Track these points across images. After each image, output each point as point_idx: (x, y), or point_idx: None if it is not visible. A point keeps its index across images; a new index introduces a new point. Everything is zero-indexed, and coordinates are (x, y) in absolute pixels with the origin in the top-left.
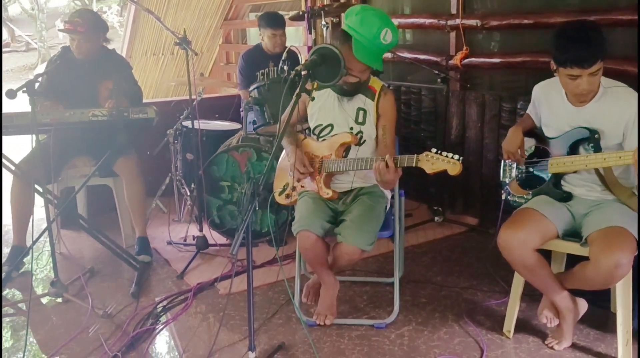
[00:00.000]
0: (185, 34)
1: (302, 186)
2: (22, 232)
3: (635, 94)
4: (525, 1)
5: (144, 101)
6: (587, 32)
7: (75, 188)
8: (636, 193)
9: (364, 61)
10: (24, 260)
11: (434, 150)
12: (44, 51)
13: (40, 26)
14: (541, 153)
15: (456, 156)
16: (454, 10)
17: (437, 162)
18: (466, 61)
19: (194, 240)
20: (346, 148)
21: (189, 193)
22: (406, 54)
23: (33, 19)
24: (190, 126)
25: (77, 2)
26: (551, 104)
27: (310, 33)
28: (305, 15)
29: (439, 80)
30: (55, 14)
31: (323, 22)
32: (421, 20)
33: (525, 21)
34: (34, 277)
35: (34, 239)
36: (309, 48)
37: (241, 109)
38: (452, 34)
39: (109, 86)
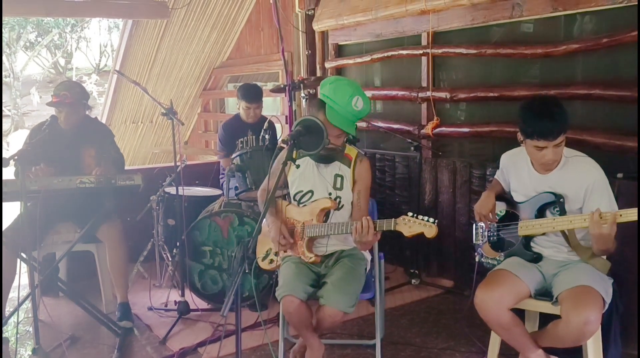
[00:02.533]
0: (172, 104)
1: (284, 251)
2: (4, 299)
3: (593, 163)
4: (490, 76)
5: (127, 168)
6: (550, 108)
7: (56, 253)
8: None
9: (337, 125)
10: (4, 327)
11: (410, 214)
12: (18, 118)
13: (15, 94)
14: (511, 216)
15: (432, 219)
16: (424, 84)
17: (414, 225)
18: (437, 130)
19: (175, 305)
20: (326, 213)
21: (170, 258)
22: (380, 124)
23: (7, 87)
24: (172, 193)
25: (51, 71)
26: (518, 172)
27: (290, 104)
28: (287, 88)
29: (412, 148)
30: (30, 81)
31: (302, 94)
32: (393, 92)
33: (491, 94)
34: (15, 344)
35: (17, 305)
36: (288, 117)
37: (221, 176)
38: (423, 105)
39: (92, 154)
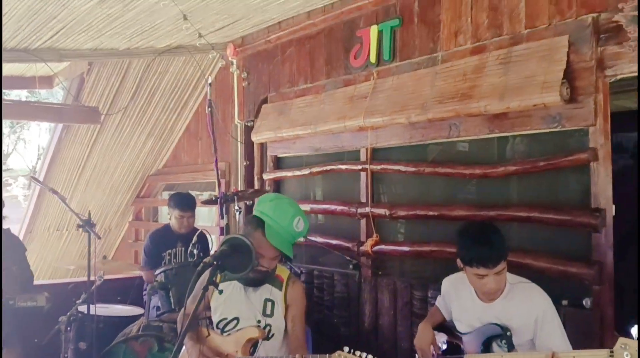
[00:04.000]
0: (90, 216)
1: None
2: None
3: (539, 290)
4: (429, 194)
5: (41, 282)
6: (488, 235)
7: None
8: None
9: (277, 245)
10: None
11: (346, 349)
12: None
13: None
14: (454, 348)
15: (370, 356)
16: (363, 199)
17: None
18: (377, 247)
19: None
20: (253, 344)
21: None
22: (319, 238)
23: None
24: (86, 312)
25: None
26: (461, 300)
27: (222, 218)
28: (218, 200)
29: (350, 266)
30: None
31: (236, 207)
32: (332, 207)
33: (430, 213)
34: None
35: None
36: (222, 230)
37: (144, 293)
38: (363, 221)
39: None
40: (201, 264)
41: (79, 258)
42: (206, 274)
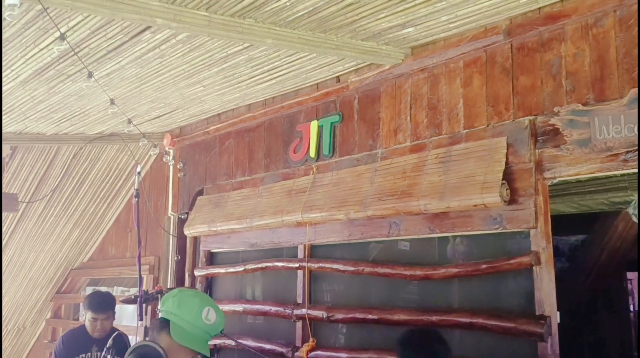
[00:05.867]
0: None
1: None
2: None
3: None
4: (369, 295)
5: None
6: (433, 345)
7: None
8: None
9: (185, 344)
10: None
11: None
12: None
13: None
14: None
15: None
16: (300, 300)
17: None
18: (312, 353)
19: None
20: None
21: None
22: (250, 342)
23: None
24: None
25: None
26: None
27: (141, 319)
28: (138, 299)
29: None
30: None
31: (159, 307)
32: (267, 308)
33: (370, 316)
34: None
35: None
36: (145, 332)
37: None
38: (298, 324)
39: None
40: None
41: None
42: None
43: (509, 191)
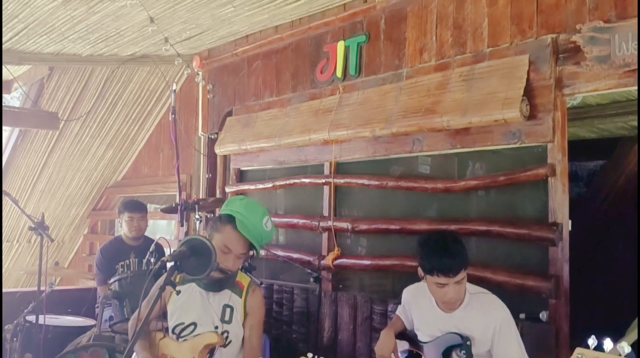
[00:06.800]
0: (44, 218)
1: None
2: None
3: (498, 301)
4: (391, 208)
5: None
6: (449, 244)
7: None
8: None
9: (249, 236)
10: None
11: (310, 355)
12: None
13: None
14: (414, 357)
15: None
16: (325, 213)
17: None
18: (338, 261)
19: None
20: (211, 350)
21: None
22: (280, 252)
23: None
24: (34, 321)
25: None
26: (421, 309)
27: (182, 226)
28: (179, 208)
29: (311, 279)
30: None
31: (197, 216)
32: (294, 220)
33: (392, 226)
34: None
35: None
36: (186, 233)
37: (96, 305)
38: (324, 235)
39: None
40: (158, 263)
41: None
42: (163, 277)
43: (528, 106)
